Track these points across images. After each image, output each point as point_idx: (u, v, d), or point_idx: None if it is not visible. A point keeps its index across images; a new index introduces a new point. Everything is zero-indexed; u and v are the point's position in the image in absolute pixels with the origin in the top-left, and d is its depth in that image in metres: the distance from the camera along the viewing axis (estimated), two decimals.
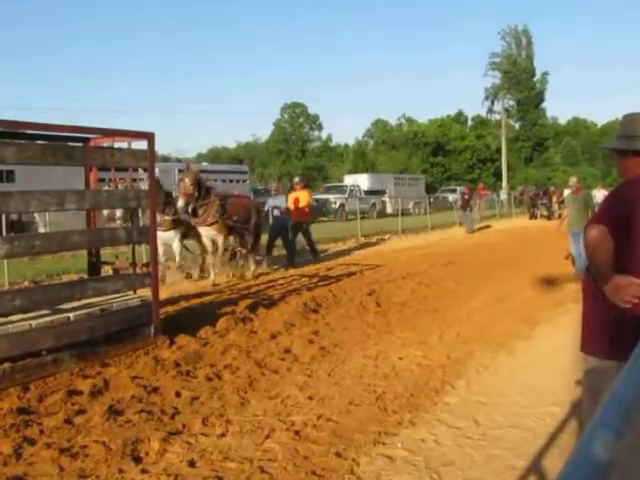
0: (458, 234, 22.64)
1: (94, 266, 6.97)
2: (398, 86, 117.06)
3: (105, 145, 6.74)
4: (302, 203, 13.81)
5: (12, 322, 5.27)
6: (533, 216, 30.72)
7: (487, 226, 26.30)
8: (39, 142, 6.22)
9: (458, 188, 44.45)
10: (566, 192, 32.27)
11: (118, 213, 11.57)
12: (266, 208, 14.11)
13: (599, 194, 29.39)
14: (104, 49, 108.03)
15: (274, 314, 7.90)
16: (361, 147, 66.97)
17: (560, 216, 30.00)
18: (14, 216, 15.48)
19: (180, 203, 10.32)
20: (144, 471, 3.68)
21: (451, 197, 35.86)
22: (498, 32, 63.19)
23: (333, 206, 30.34)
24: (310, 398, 4.89)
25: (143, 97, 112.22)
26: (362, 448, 3.98)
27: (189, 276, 11.15)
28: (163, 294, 7.77)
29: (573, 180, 11.05)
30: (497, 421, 4.41)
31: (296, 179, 15.59)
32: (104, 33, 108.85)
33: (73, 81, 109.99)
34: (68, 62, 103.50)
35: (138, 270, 6.82)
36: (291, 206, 13.62)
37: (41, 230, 16.60)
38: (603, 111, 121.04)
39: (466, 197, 23.94)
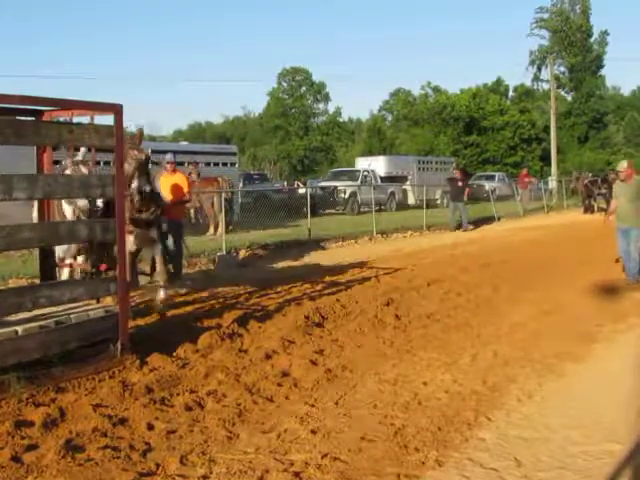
0: (495, 231, 22.61)
1: (48, 269, 6.98)
2: (422, 49, 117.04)
3: (62, 120, 6.75)
4: (185, 190, 11.51)
5: None
6: (588, 209, 30.61)
7: (487, 220, 25.90)
8: None
9: (497, 174, 44.44)
10: None
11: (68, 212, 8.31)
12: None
13: None
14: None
15: (269, 329, 7.90)
16: (377, 123, 66.95)
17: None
18: None
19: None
20: None
21: (487, 185, 35.79)
22: None
23: (342, 196, 30.29)
24: (313, 432, 4.90)
25: (109, 65, 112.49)
26: None
27: None
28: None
29: (623, 165, 11.13)
30: (543, 461, 4.40)
31: (168, 156, 12.16)
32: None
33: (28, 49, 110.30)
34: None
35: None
36: (169, 196, 10.99)
37: None
38: None
39: (460, 184, 23.68)
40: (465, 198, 23.15)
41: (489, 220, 26.09)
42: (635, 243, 10.68)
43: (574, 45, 61.97)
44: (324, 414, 5.27)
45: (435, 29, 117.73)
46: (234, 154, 31.21)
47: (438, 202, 33.82)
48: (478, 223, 24.68)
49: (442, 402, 5.55)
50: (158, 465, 4.33)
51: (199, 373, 6.22)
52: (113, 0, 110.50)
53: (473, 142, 61.55)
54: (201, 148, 32.24)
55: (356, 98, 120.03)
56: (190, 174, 21.62)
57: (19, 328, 5.64)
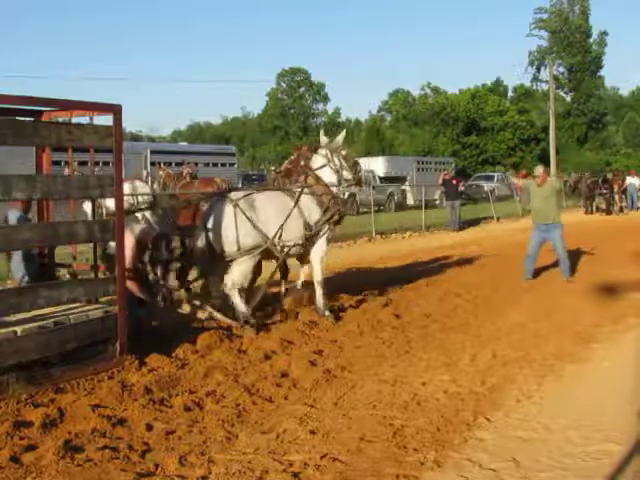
0: (495, 231, 22.61)
1: (47, 269, 6.97)
2: (422, 49, 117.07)
3: (61, 120, 6.74)
4: None
5: None
6: (589, 210, 30.52)
7: (486, 220, 26.11)
8: None
9: (496, 174, 44.48)
10: (628, 180, 32.34)
11: None
12: None
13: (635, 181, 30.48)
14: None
15: (268, 329, 7.90)
16: (376, 123, 66.86)
17: (621, 210, 30.28)
18: None
19: None
20: None
21: (487, 185, 35.84)
22: None
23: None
24: (312, 433, 4.90)
25: (109, 65, 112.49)
26: None
27: None
28: None
29: (539, 170, 12.01)
30: (542, 462, 4.41)
31: None
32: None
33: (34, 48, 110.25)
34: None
35: (101, 274, 6.84)
36: None
37: None
38: None
39: (454, 182, 24.00)
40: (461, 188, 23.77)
41: (488, 220, 26.10)
42: (560, 241, 11.39)
43: (573, 46, 61.99)
44: (323, 414, 5.28)
45: (435, 29, 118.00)
46: (233, 155, 31.29)
47: (437, 203, 33.87)
48: (477, 224, 24.68)
49: (441, 402, 5.55)
50: (157, 465, 4.33)
51: (198, 373, 6.22)
52: (113, 1, 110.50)
53: (472, 143, 61.56)
54: (200, 149, 32.30)
55: (355, 98, 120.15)
56: (184, 174, 21.66)
57: (18, 328, 5.63)
